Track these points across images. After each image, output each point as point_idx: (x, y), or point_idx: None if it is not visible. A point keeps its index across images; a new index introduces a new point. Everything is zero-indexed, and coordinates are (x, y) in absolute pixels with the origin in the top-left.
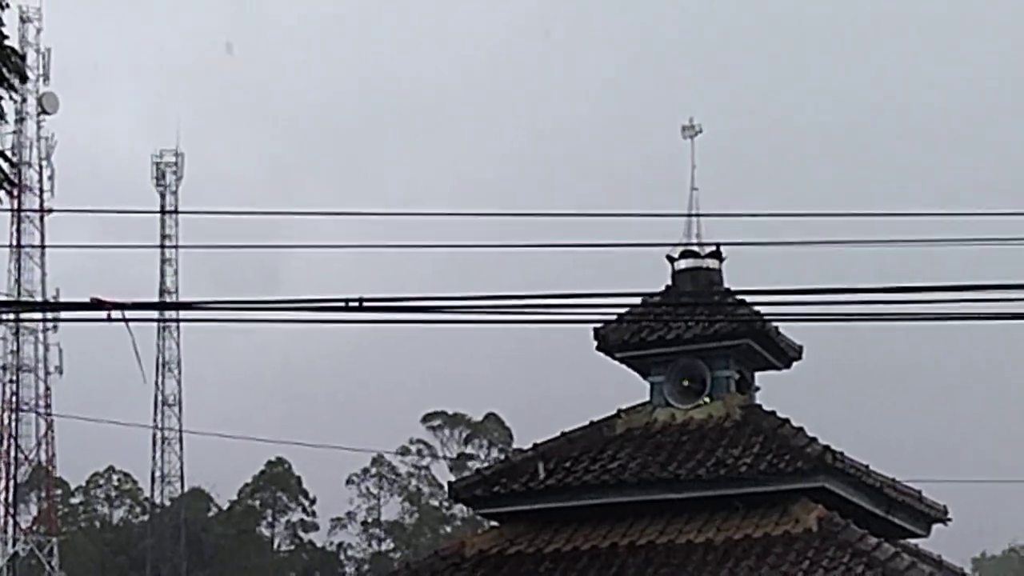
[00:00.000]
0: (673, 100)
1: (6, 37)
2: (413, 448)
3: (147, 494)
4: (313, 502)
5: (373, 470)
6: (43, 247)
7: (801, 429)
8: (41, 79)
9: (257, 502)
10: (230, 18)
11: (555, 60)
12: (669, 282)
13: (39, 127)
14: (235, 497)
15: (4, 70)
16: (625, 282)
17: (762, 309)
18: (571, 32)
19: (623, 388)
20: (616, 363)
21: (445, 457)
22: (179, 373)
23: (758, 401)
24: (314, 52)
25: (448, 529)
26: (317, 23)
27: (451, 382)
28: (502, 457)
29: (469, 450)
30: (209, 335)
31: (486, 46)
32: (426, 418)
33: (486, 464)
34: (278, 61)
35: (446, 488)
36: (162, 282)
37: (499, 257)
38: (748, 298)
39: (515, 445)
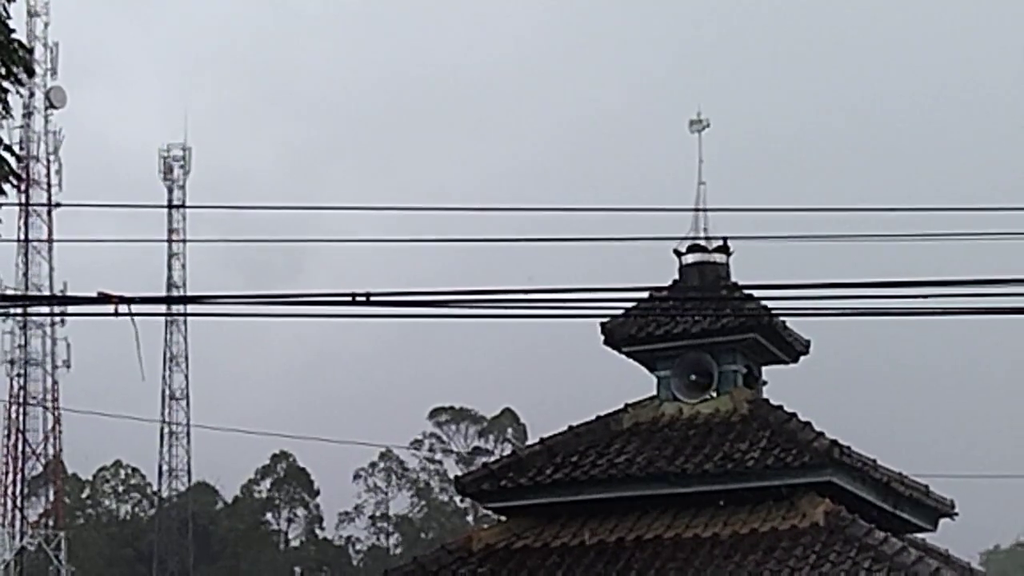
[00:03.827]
0: (701, 96)
1: (13, 31)
2: (426, 442)
3: (154, 488)
4: (317, 494)
5: (381, 464)
6: (51, 241)
7: (808, 423)
8: (49, 73)
9: (264, 496)
10: (254, 8)
11: (586, 54)
12: (676, 276)
13: (47, 121)
14: (242, 491)
15: (11, 64)
16: (632, 276)
17: (769, 303)
18: (602, 27)
19: (634, 383)
20: (623, 357)
21: (454, 452)
22: (186, 367)
23: (765, 395)
24: (340, 43)
25: (457, 523)
26: (343, 13)
27: (464, 378)
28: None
29: (482, 445)
30: (217, 330)
31: (515, 38)
32: (433, 413)
33: (497, 459)
34: (303, 52)
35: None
36: (169, 276)
37: (511, 251)
38: (755, 292)
39: (529, 441)
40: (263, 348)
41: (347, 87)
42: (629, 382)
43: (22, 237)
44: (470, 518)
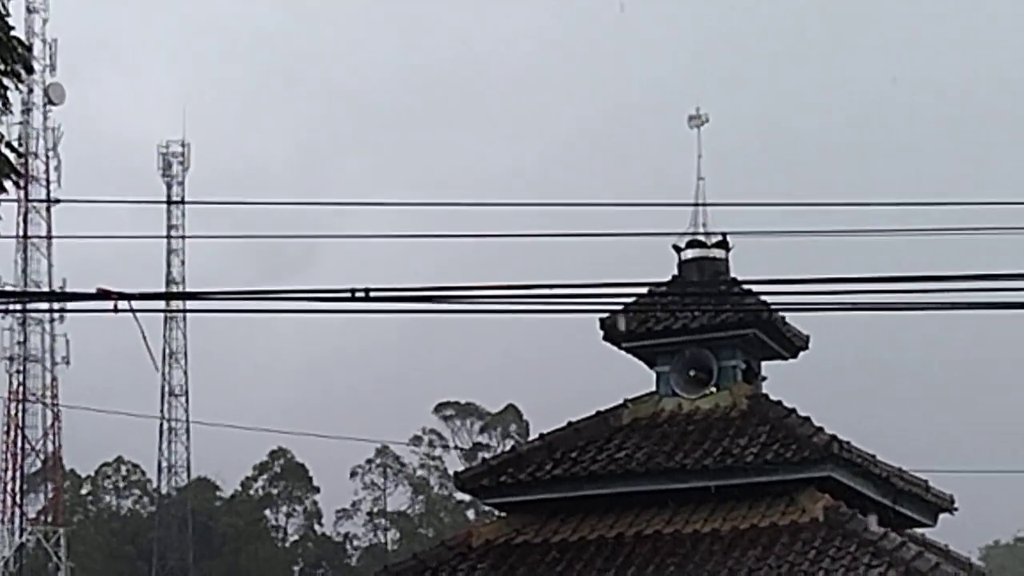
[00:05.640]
0: (708, 94)
1: (12, 28)
2: (426, 438)
3: (154, 484)
4: (317, 490)
5: (377, 461)
6: (49, 237)
7: (808, 419)
8: (48, 70)
9: (263, 492)
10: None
11: (599, 49)
12: (675, 272)
13: (45, 118)
14: (241, 487)
15: (10, 61)
16: (632, 272)
17: (769, 299)
18: (615, 22)
19: (641, 378)
20: (623, 353)
21: (454, 448)
22: (186, 364)
23: (764, 391)
24: (350, 35)
25: (457, 519)
26: (354, 4)
27: (468, 374)
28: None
29: (484, 440)
30: (217, 326)
31: (528, 33)
32: (438, 408)
33: (497, 455)
34: (313, 44)
35: (453, 479)
36: (168, 273)
37: (512, 247)
38: (755, 288)
39: (531, 437)
40: (264, 344)
41: (357, 80)
42: (632, 377)
43: (21, 233)
44: (470, 514)
